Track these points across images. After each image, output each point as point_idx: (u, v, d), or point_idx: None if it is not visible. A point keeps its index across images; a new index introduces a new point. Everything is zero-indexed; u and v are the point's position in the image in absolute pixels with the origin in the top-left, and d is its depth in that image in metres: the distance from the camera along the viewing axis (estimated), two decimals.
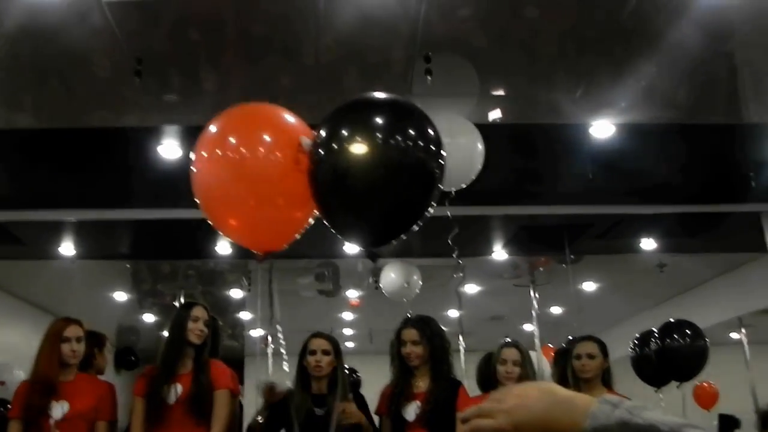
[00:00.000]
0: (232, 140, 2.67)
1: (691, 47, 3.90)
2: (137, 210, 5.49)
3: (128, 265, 7.38)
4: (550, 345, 7.36)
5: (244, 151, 2.63)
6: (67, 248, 6.31)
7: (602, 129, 4.52)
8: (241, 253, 6.24)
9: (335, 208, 2.54)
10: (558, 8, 3.69)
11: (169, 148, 4.68)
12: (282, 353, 4.46)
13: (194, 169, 2.75)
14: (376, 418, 4.20)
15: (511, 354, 3.96)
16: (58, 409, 3.80)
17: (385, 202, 2.43)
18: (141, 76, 3.83)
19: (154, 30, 3.86)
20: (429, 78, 3.68)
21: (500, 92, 4.32)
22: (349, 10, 3.67)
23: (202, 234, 6.01)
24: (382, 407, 4.17)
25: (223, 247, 6.29)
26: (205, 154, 2.69)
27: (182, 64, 4.24)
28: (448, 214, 4.12)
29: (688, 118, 4.61)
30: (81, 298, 6.44)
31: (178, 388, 3.80)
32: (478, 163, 3.94)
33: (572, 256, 6.46)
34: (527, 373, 3.92)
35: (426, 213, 2.55)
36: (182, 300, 7.50)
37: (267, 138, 2.69)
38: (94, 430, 3.85)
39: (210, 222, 2.79)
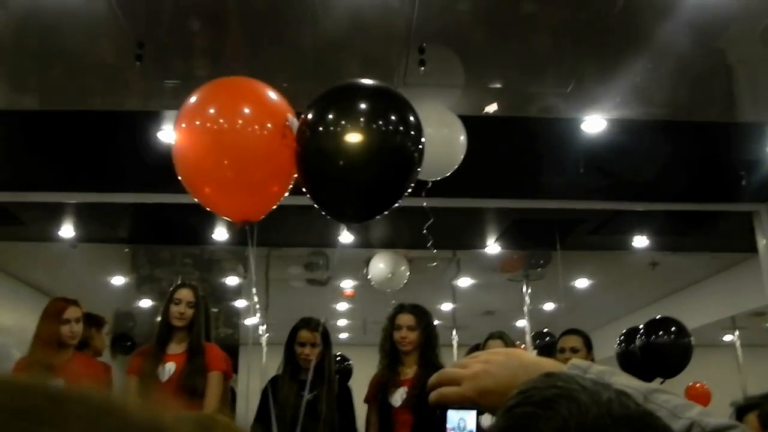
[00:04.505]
0: (212, 111, 2.74)
1: (684, 45, 3.95)
2: (136, 194, 5.55)
3: (127, 250, 7.45)
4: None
5: (222, 122, 2.71)
6: (66, 231, 6.37)
7: (594, 124, 4.57)
8: (238, 239, 6.30)
9: (320, 185, 2.70)
10: (551, 2, 3.74)
11: (168, 133, 4.75)
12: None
13: (174, 140, 2.83)
14: (365, 407, 4.28)
15: (496, 345, 4.06)
16: None
17: (366, 181, 2.63)
18: (142, 60, 3.89)
19: (156, 14, 3.93)
20: (422, 69, 3.74)
21: (495, 85, 4.36)
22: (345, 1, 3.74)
23: (200, 219, 6.07)
24: (370, 396, 4.25)
25: (220, 234, 6.35)
26: (184, 125, 2.76)
27: (183, 50, 4.30)
28: (424, 204, 4.14)
29: (681, 115, 4.66)
30: (79, 282, 6.50)
31: (171, 367, 3.86)
32: (459, 155, 3.93)
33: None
34: None
35: (403, 193, 2.73)
36: None
37: (246, 110, 2.77)
38: None
39: (189, 191, 2.86)
